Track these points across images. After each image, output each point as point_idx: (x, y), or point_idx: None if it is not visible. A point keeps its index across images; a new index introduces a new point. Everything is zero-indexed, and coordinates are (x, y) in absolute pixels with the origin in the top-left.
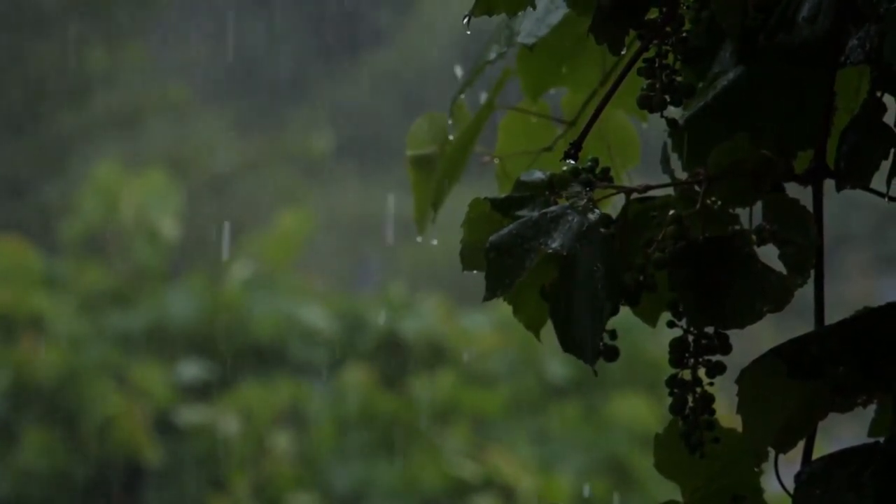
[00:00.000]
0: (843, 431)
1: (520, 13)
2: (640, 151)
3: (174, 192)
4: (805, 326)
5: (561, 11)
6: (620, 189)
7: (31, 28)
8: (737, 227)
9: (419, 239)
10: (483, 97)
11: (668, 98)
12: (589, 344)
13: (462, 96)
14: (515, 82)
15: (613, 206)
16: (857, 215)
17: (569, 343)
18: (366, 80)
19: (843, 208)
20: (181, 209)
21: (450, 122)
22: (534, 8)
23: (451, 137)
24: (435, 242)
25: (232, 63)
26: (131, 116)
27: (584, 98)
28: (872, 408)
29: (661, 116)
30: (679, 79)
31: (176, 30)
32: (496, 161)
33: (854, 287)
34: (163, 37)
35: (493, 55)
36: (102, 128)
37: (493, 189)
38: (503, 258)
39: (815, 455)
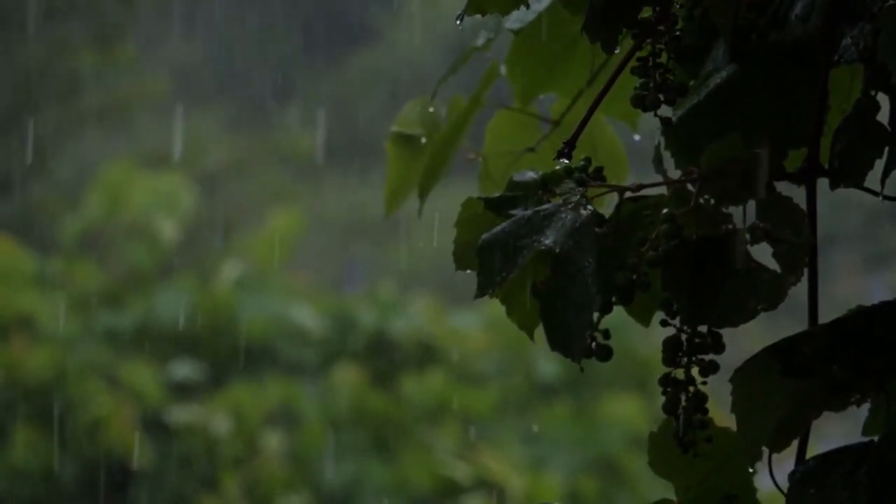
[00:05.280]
0: (834, 430)
1: None
2: (628, 157)
3: (183, 195)
4: (796, 325)
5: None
6: (613, 188)
7: (19, 27)
8: (730, 226)
9: (386, 216)
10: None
11: (661, 97)
12: (576, 341)
13: (442, 88)
14: (505, 81)
15: (607, 206)
16: (847, 214)
17: (557, 340)
18: (355, 79)
19: (832, 207)
20: (187, 214)
21: (430, 109)
22: (527, 7)
23: (441, 125)
24: (434, 245)
25: (221, 63)
26: (120, 116)
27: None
28: (864, 406)
29: (655, 115)
30: (672, 78)
31: (164, 30)
32: (480, 160)
33: (844, 286)
34: (151, 36)
35: (480, 41)
36: (91, 128)
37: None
38: (495, 256)
39: (808, 454)
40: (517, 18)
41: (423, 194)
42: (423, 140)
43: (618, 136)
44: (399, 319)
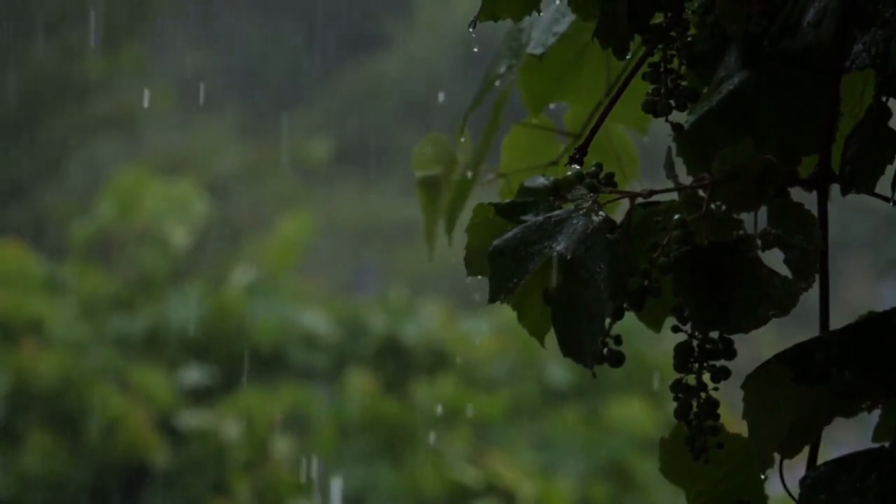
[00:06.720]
0: (844, 436)
1: (525, 24)
2: (640, 163)
3: (194, 201)
4: (807, 331)
5: (567, 20)
6: (625, 194)
7: (29, 32)
8: (741, 232)
9: (430, 261)
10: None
11: (672, 103)
12: (588, 347)
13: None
14: (517, 98)
15: (618, 211)
16: (858, 220)
17: (569, 347)
18: (365, 85)
19: (843, 213)
20: (198, 219)
21: (462, 139)
22: (539, 13)
23: (457, 157)
24: (446, 250)
25: (231, 68)
26: (130, 121)
27: (587, 111)
28: (875, 412)
29: (666, 121)
30: (684, 83)
31: (174, 35)
32: (500, 180)
33: (855, 291)
34: (161, 41)
35: (502, 68)
36: (101, 133)
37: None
38: (507, 261)
39: (819, 460)
40: (538, 42)
41: (449, 228)
42: (443, 176)
43: (628, 137)
44: (410, 325)
